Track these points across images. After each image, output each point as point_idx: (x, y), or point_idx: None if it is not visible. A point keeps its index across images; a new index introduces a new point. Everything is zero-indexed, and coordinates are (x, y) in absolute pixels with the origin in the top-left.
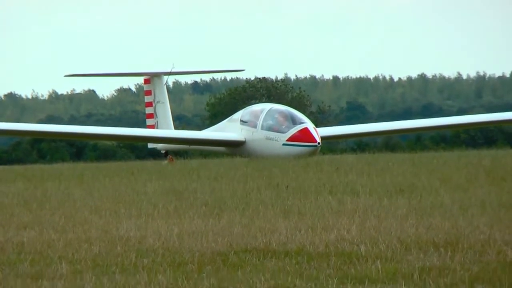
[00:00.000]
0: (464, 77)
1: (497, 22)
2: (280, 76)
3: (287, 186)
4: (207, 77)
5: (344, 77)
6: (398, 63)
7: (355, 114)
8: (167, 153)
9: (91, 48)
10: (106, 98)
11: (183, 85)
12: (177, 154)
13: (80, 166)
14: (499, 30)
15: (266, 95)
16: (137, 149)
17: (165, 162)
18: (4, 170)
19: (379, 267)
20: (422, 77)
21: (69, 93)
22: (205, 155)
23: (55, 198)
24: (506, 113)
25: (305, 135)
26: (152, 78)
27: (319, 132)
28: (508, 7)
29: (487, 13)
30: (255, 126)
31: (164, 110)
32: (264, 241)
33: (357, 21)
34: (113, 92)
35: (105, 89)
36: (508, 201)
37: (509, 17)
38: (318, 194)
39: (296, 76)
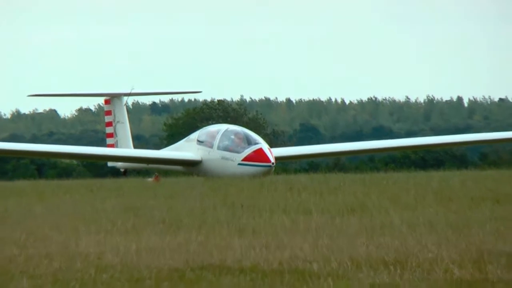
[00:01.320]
0: (413, 100)
1: (446, 47)
2: (236, 97)
3: (242, 205)
4: (165, 98)
5: (297, 99)
6: (350, 86)
7: (308, 135)
8: (125, 171)
9: (53, 69)
10: (67, 117)
11: (141, 105)
12: (138, 172)
13: (41, 183)
14: (448, 55)
15: (222, 117)
16: (95, 167)
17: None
18: None
19: (331, 284)
20: (373, 100)
21: (31, 112)
22: (163, 173)
23: (17, 214)
24: (453, 135)
25: (259, 155)
26: (112, 99)
27: (274, 153)
28: (458, 33)
29: (436, 38)
30: (211, 146)
31: (124, 130)
32: (220, 258)
33: (310, 45)
34: (74, 112)
35: (67, 109)
36: (455, 221)
37: (457, 43)
38: (272, 213)
39: (251, 98)
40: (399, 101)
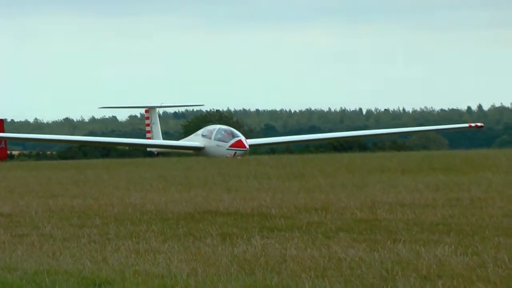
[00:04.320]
0: (333, 110)
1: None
2: (225, 108)
3: (229, 174)
4: (183, 109)
5: (262, 109)
6: (296, 99)
7: (269, 132)
8: (158, 153)
9: (101, 85)
10: (122, 121)
11: (168, 113)
12: (165, 154)
13: (107, 161)
14: (354, 72)
15: (218, 120)
16: (140, 151)
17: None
18: None
19: (283, 222)
20: (309, 110)
21: (101, 117)
22: (179, 155)
23: (93, 179)
24: (356, 131)
25: (239, 143)
26: (150, 109)
27: (248, 142)
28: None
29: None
30: (210, 138)
31: (157, 128)
32: (215, 206)
33: (265, 64)
34: (127, 117)
35: (122, 115)
36: (357, 183)
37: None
38: (247, 178)
39: (235, 108)
40: (324, 110)
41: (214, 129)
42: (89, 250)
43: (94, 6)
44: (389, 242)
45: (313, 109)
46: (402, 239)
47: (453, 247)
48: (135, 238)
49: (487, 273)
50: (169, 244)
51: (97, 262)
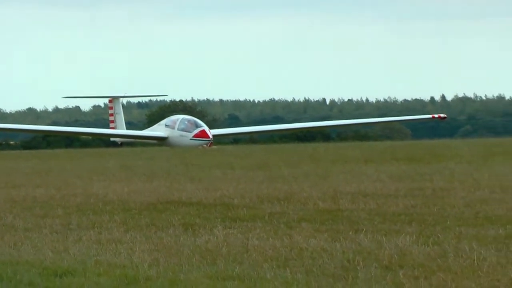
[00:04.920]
0: (296, 100)
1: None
2: (189, 98)
3: (192, 164)
4: (146, 99)
5: (226, 99)
6: (259, 89)
7: (233, 122)
8: (122, 143)
9: (67, 75)
10: (86, 110)
11: (132, 103)
12: (127, 144)
13: (70, 151)
14: (321, 62)
15: (182, 110)
16: (103, 141)
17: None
18: None
19: (245, 211)
20: (273, 100)
21: (65, 107)
22: (143, 145)
23: (55, 170)
24: (320, 122)
25: (203, 133)
26: (113, 99)
27: (211, 132)
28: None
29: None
30: (173, 128)
31: (120, 118)
32: (178, 196)
33: (229, 54)
34: (90, 107)
35: (86, 106)
36: (321, 173)
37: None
38: (210, 168)
39: (198, 99)
40: (288, 100)
41: (177, 119)
42: (51, 240)
43: None
44: (351, 232)
45: (276, 99)
46: (364, 229)
47: (414, 237)
48: (97, 228)
49: (448, 263)
50: (131, 234)
51: (59, 252)
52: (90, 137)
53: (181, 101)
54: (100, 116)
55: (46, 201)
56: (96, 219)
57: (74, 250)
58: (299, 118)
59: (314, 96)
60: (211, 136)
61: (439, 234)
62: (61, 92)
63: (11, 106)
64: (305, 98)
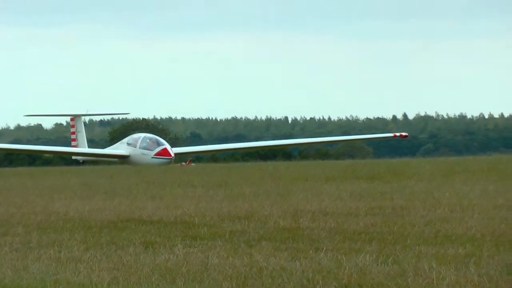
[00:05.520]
0: (259, 119)
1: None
2: (151, 116)
3: (154, 182)
4: (109, 117)
5: (188, 117)
6: (223, 109)
7: (194, 140)
8: (83, 161)
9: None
10: (48, 129)
11: (94, 121)
12: (92, 162)
13: (31, 169)
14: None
15: (144, 128)
16: (65, 159)
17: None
18: None
19: (206, 230)
20: (235, 118)
21: (27, 125)
22: (105, 163)
23: (16, 187)
24: (282, 140)
25: (164, 152)
26: (75, 117)
27: (173, 150)
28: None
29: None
30: (135, 146)
31: (82, 137)
32: (138, 214)
33: (191, 72)
34: (53, 125)
35: (48, 123)
36: (282, 191)
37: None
38: (172, 186)
39: (161, 117)
40: (250, 118)
41: (139, 138)
42: (11, 258)
43: (19, 16)
44: (311, 251)
45: (239, 117)
46: (324, 248)
47: (374, 256)
48: (57, 247)
49: (407, 282)
50: (91, 253)
51: (18, 271)
52: (52, 155)
53: (143, 119)
54: (62, 134)
55: (6, 219)
56: (57, 237)
57: (34, 269)
58: (261, 136)
59: (277, 114)
60: (173, 155)
61: (398, 253)
62: (23, 110)
63: None
64: (267, 116)
